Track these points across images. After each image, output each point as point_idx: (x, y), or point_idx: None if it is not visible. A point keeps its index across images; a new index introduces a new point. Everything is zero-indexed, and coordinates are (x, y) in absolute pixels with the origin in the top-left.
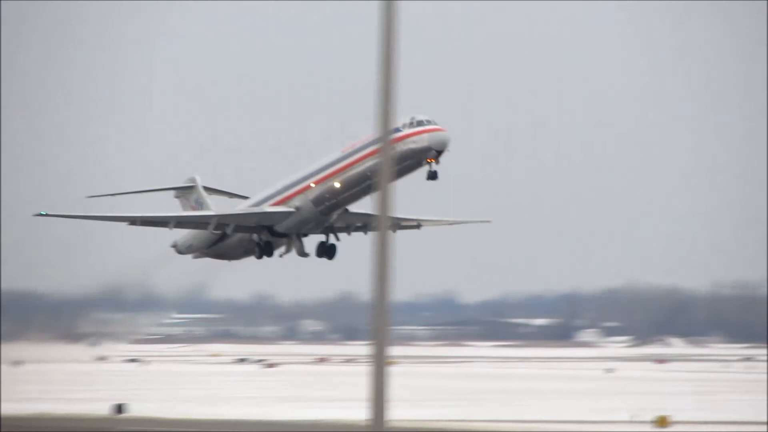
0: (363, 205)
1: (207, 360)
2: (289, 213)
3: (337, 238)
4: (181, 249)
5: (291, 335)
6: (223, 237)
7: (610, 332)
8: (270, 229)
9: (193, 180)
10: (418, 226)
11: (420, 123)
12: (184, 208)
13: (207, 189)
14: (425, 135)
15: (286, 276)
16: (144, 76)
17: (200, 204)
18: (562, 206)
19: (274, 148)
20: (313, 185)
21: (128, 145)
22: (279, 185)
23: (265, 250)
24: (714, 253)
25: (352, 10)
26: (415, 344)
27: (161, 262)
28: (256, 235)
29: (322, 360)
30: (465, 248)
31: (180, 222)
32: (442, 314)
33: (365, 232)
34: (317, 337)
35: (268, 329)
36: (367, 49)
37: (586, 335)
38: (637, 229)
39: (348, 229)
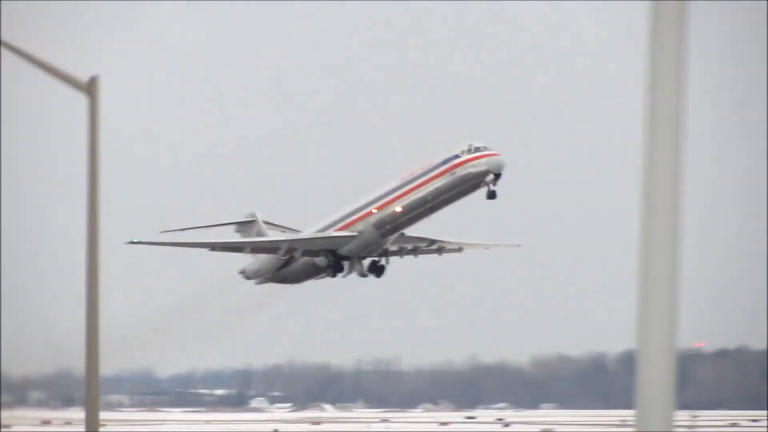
0: (416, 229)
1: None
2: (353, 237)
3: (387, 261)
4: (249, 275)
5: (21, 403)
6: (287, 262)
7: (276, 400)
8: (334, 253)
9: (253, 215)
10: (459, 250)
11: (477, 149)
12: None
13: (266, 223)
14: (483, 159)
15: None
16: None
17: (261, 236)
18: None
19: (319, 182)
20: (374, 211)
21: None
22: (342, 212)
23: (336, 268)
24: (357, 334)
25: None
26: (120, 410)
27: (228, 288)
28: (324, 258)
29: (46, 422)
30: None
31: (255, 247)
32: (142, 385)
33: (415, 255)
34: (43, 404)
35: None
36: (413, 72)
37: (257, 403)
38: (295, 313)
39: (401, 252)
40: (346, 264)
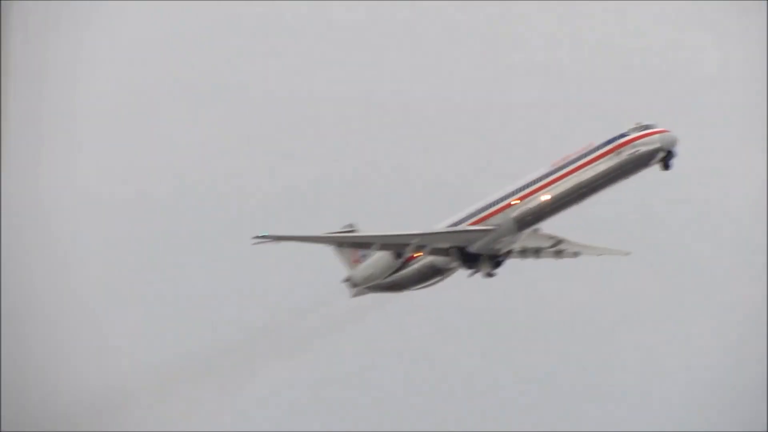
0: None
1: None
2: (489, 231)
3: (505, 260)
4: (357, 281)
5: None
6: (401, 266)
7: None
8: (462, 250)
9: (351, 226)
10: (575, 255)
11: (647, 127)
12: (341, 256)
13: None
14: (656, 136)
15: None
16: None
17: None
18: None
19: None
20: (516, 202)
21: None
22: (475, 207)
23: (470, 264)
24: None
25: None
26: None
27: (323, 301)
28: (446, 258)
29: None
30: None
31: (383, 243)
32: None
33: (537, 257)
34: None
35: None
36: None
37: None
38: None
39: (525, 253)
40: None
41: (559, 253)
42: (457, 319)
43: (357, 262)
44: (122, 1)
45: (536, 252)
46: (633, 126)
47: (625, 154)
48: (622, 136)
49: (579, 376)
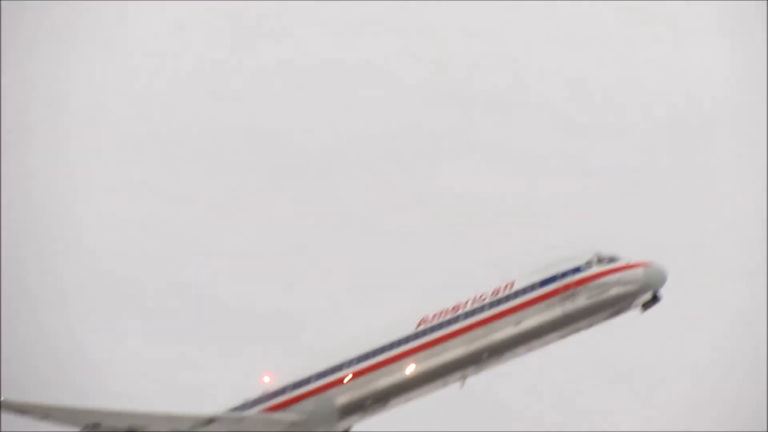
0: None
1: None
2: (295, 423)
3: None
4: None
5: None
6: None
7: None
8: None
9: None
10: None
11: (612, 259)
12: None
13: None
14: (640, 270)
15: None
16: None
17: None
18: None
19: None
20: (348, 378)
21: None
22: (282, 383)
23: None
24: None
25: None
26: None
27: None
28: None
29: None
30: None
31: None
32: None
33: None
34: None
35: None
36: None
37: None
38: None
39: None
40: None
41: None
42: None
43: None
44: (122, 1)
45: None
46: (591, 258)
47: (583, 297)
48: (577, 271)
49: (577, 369)
